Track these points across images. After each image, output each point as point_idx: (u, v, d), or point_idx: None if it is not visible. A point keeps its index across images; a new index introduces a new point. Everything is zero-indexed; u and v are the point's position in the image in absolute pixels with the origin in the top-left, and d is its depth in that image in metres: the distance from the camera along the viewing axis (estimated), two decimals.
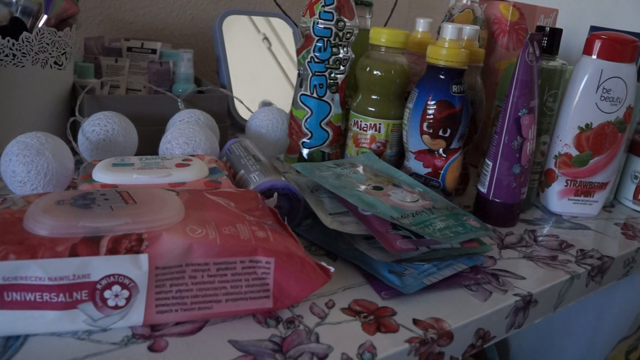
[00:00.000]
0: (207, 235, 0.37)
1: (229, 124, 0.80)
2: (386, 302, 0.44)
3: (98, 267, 0.35)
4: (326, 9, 0.62)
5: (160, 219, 0.37)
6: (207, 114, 0.66)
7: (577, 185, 0.67)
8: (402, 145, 0.64)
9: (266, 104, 0.86)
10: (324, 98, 0.65)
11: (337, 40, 0.63)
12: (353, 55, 0.65)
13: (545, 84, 0.63)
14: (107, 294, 0.35)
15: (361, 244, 0.48)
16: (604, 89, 0.63)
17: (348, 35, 0.63)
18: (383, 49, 0.63)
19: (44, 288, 0.34)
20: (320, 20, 0.62)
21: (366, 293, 0.45)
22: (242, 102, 0.81)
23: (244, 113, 0.87)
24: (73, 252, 0.34)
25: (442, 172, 0.61)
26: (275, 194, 0.49)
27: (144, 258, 0.35)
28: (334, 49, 0.63)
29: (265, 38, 0.92)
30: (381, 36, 0.63)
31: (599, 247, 0.60)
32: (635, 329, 0.84)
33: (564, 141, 0.65)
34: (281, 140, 0.70)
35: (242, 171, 0.54)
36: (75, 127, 0.68)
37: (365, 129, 0.65)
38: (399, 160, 0.66)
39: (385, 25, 1.17)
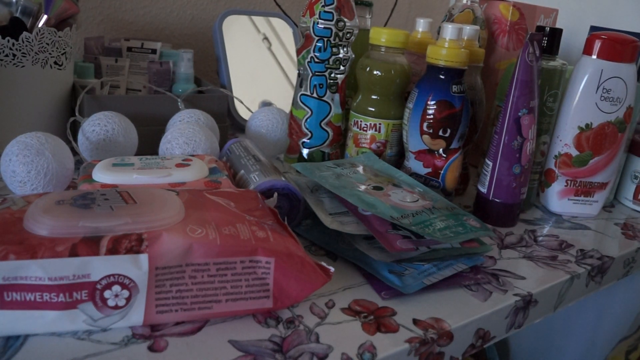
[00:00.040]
0: (207, 235, 0.37)
1: (229, 124, 0.80)
2: (386, 302, 0.44)
3: (98, 267, 0.35)
4: (326, 9, 0.62)
5: (160, 219, 0.37)
6: (207, 114, 0.66)
7: (577, 185, 0.67)
8: (402, 145, 0.64)
9: (266, 104, 0.86)
10: (324, 98, 0.65)
11: (337, 40, 0.63)
12: (353, 55, 0.65)
13: (545, 84, 0.63)
14: (107, 294, 0.35)
15: (361, 244, 0.48)
16: (604, 89, 0.63)
17: (348, 35, 0.63)
18: (383, 49, 0.63)
19: (44, 288, 0.34)
20: (320, 20, 0.62)
21: (366, 293, 0.45)
22: (242, 102, 0.81)
23: (244, 113, 0.87)
24: (73, 252, 0.34)
25: (442, 172, 0.61)
26: (275, 194, 0.49)
27: (144, 258, 0.35)
28: (334, 49, 0.63)
29: (265, 38, 0.92)
30: (381, 36, 0.63)
31: (599, 247, 0.60)
32: (635, 329, 0.84)
33: (564, 141, 0.65)
34: (281, 140, 0.70)
35: (242, 171, 0.54)
36: (75, 127, 0.68)
37: (365, 129, 0.65)
38: (399, 160, 0.66)
39: (385, 25, 1.17)
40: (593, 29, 0.80)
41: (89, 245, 0.35)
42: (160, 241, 0.36)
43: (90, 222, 0.36)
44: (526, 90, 0.57)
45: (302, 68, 0.65)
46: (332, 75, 0.65)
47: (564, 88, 0.66)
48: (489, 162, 0.61)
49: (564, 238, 0.62)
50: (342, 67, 0.65)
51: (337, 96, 0.66)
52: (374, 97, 0.64)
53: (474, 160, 0.81)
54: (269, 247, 0.38)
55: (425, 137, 0.60)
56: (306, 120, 0.66)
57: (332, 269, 0.42)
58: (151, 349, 0.36)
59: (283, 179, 0.52)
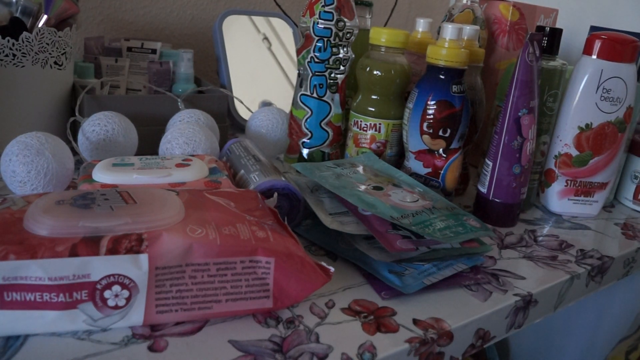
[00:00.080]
0: (207, 235, 0.37)
1: (229, 124, 0.80)
2: (386, 302, 0.44)
3: (98, 267, 0.35)
4: (326, 9, 0.62)
5: (160, 219, 0.37)
6: (207, 114, 0.66)
7: (577, 185, 0.67)
8: (402, 145, 0.64)
9: (266, 104, 0.86)
10: (324, 98, 0.65)
11: (337, 40, 0.63)
12: (353, 55, 0.65)
13: (545, 84, 0.63)
14: (107, 294, 0.35)
15: (361, 244, 0.48)
16: (604, 89, 0.63)
17: (348, 35, 0.63)
18: (383, 49, 0.63)
19: (44, 288, 0.34)
20: (320, 20, 0.62)
21: (366, 293, 0.45)
22: (242, 102, 0.81)
23: (244, 113, 0.87)
24: (73, 252, 0.34)
25: (442, 172, 0.61)
26: (275, 194, 0.49)
27: (144, 258, 0.35)
28: (334, 49, 0.63)
29: (265, 38, 0.92)
30: (381, 36, 0.63)
31: (599, 247, 0.60)
32: (635, 329, 0.84)
33: (564, 141, 0.65)
34: (281, 140, 0.70)
35: (242, 171, 0.54)
36: (75, 127, 0.68)
37: (365, 129, 0.65)
38: (399, 160, 0.66)
39: (385, 25, 1.17)
40: (593, 29, 0.80)
41: (89, 245, 0.35)
42: (160, 241, 0.36)
43: (90, 222, 0.36)
44: (526, 90, 0.57)
45: (302, 68, 0.65)
46: (332, 75, 0.65)
47: (564, 88, 0.66)
48: (489, 162, 0.61)
49: (564, 238, 0.62)
50: (342, 67, 0.65)
51: (337, 96, 0.66)
52: (374, 97, 0.64)
53: (474, 160, 0.81)
54: (269, 247, 0.38)
55: (425, 137, 0.60)
56: (306, 120, 0.66)
57: (332, 269, 0.42)
58: (151, 349, 0.36)
59: (283, 179, 0.52)
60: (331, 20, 0.62)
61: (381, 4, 1.22)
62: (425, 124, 0.60)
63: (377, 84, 0.63)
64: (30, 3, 0.63)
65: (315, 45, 0.63)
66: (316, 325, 0.40)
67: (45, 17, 0.63)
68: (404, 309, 0.44)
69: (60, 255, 0.34)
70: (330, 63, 0.64)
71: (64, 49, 0.65)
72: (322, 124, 0.66)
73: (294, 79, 0.93)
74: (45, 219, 0.36)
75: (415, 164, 0.62)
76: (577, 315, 0.86)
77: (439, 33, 0.65)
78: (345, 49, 0.64)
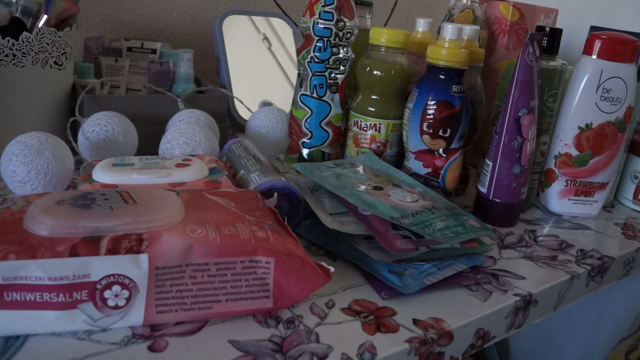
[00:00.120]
0: (207, 235, 0.37)
1: (229, 124, 0.80)
2: (386, 302, 0.44)
3: (98, 267, 0.35)
4: (326, 9, 0.62)
5: (160, 219, 0.37)
6: (207, 114, 0.66)
7: (577, 185, 0.67)
8: (402, 145, 0.64)
9: (266, 104, 0.86)
10: (324, 98, 0.65)
11: (337, 40, 0.63)
12: (353, 55, 0.65)
13: (545, 84, 0.63)
14: (107, 294, 0.35)
15: (361, 244, 0.48)
16: (604, 89, 0.63)
17: (348, 35, 0.63)
18: (383, 49, 0.63)
19: (44, 288, 0.34)
20: (320, 20, 0.62)
21: (366, 293, 0.45)
22: (242, 102, 0.81)
23: (244, 113, 0.87)
24: (73, 252, 0.34)
25: (442, 172, 0.61)
26: (275, 194, 0.49)
27: (144, 258, 0.35)
28: (334, 49, 0.63)
29: (265, 38, 0.92)
30: (381, 36, 0.63)
31: (599, 247, 0.60)
32: (635, 329, 0.84)
33: (564, 141, 0.65)
34: (281, 140, 0.70)
35: (242, 171, 0.54)
36: (75, 127, 0.68)
37: (365, 129, 0.65)
38: (399, 160, 0.66)
39: (385, 25, 1.17)
40: (593, 29, 0.80)
41: (89, 245, 0.35)
42: (160, 241, 0.36)
43: (90, 222, 0.36)
44: (526, 90, 0.57)
45: (302, 68, 0.65)
46: (332, 75, 0.65)
47: (564, 88, 0.66)
48: (489, 162, 0.61)
49: (564, 238, 0.62)
50: (342, 67, 0.65)
51: (337, 96, 0.66)
52: (374, 97, 0.64)
53: (474, 160, 0.81)
54: (269, 247, 0.38)
55: (425, 137, 0.60)
56: (306, 120, 0.66)
57: (332, 269, 0.42)
58: (151, 349, 0.36)
59: (283, 179, 0.52)
60: (331, 20, 0.62)
61: (381, 4, 1.22)
62: (425, 124, 0.60)
63: (377, 84, 0.63)
64: (30, 3, 0.63)
65: (315, 45, 0.63)
66: (316, 325, 0.40)
67: (45, 17, 0.63)
68: (404, 309, 0.44)
69: (60, 255, 0.34)
70: (330, 63, 0.64)
71: (64, 49, 0.65)
72: (322, 124, 0.66)
73: (294, 79, 0.93)
74: (45, 219, 0.36)
75: (415, 164, 0.62)
76: (577, 315, 0.86)
77: (439, 33, 0.65)
78: (345, 49, 0.64)
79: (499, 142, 0.59)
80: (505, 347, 0.99)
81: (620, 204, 0.75)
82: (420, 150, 0.61)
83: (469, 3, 0.74)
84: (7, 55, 0.60)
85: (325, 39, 0.63)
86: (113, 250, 0.35)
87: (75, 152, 0.65)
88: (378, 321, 0.42)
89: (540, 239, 0.61)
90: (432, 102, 0.59)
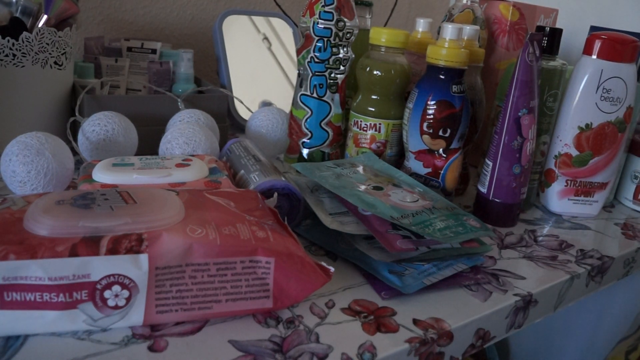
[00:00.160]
0: (207, 235, 0.37)
1: (229, 124, 0.80)
2: (386, 302, 0.44)
3: (98, 267, 0.35)
4: (326, 9, 0.62)
5: (160, 219, 0.37)
6: (207, 114, 0.66)
7: (577, 185, 0.67)
8: (402, 145, 0.64)
9: (266, 104, 0.86)
10: (324, 98, 0.65)
11: (337, 40, 0.63)
12: (353, 55, 0.65)
13: (545, 84, 0.63)
14: (107, 294, 0.35)
15: (361, 244, 0.48)
16: (604, 89, 0.63)
17: (348, 35, 0.63)
18: (383, 49, 0.63)
19: (44, 288, 0.34)
20: (320, 20, 0.62)
21: (366, 293, 0.45)
22: (242, 102, 0.81)
23: (244, 113, 0.87)
24: (73, 252, 0.34)
25: (442, 172, 0.61)
26: (275, 194, 0.49)
27: (144, 258, 0.35)
28: (334, 49, 0.63)
29: (265, 38, 0.92)
30: (381, 36, 0.63)
31: (599, 247, 0.60)
32: (635, 329, 0.84)
33: (564, 141, 0.65)
34: (281, 140, 0.70)
35: (242, 171, 0.54)
36: (75, 127, 0.68)
37: (365, 129, 0.65)
38: (399, 160, 0.66)
39: (385, 25, 1.17)
40: (593, 29, 0.80)
41: (89, 245, 0.35)
42: (160, 241, 0.36)
43: (90, 222, 0.36)
44: (526, 90, 0.57)
45: (302, 68, 0.65)
46: (332, 75, 0.65)
47: (564, 88, 0.66)
48: (489, 162, 0.61)
49: (564, 238, 0.62)
50: (342, 67, 0.65)
51: (337, 96, 0.66)
52: (374, 97, 0.64)
53: (474, 160, 0.81)
54: (269, 247, 0.38)
55: (425, 137, 0.60)
56: (306, 120, 0.66)
57: (332, 269, 0.42)
58: (151, 349, 0.36)
59: (283, 179, 0.52)
60: (331, 20, 0.62)
61: (381, 4, 1.22)
62: (425, 124, 0.60)
63: (377, 84, 0.63)
64: (30, 3, 0.63)
65: (315, 45, 0.63)
66: (316, 325, 0.40)
67: (45, 17, 0.63)
68: (404, 309, 0.44)
69: (60, 255, 0.34)
70: (330, 63, 0.64)
71: (64, 49, 0.65)
72: (322, 124, 0.66)
73: (294, 79, 0.93)
74: (45, 219, 0.36)
75: (415, 164, 0.62)
76: (577, 315, 0.86)
77: (439, 33, 0.65)
78: (345, 49, 0.64)
79: (499, 142, 0.59)
80: (505, 347, 0.99)
81: (620, 204, 0.75)
82: (420, 150, 0.61)
83: (469, 3, 0.74)
84: (7, 55, 0.60)
85: (325, 39, 0.63)
86: (113, 250, 0.35)
87: (75, 152, 0.65)
88: (378, 321, 0.42)
89: (540, 239, 0.61)
90: (432, 102, 0.59)
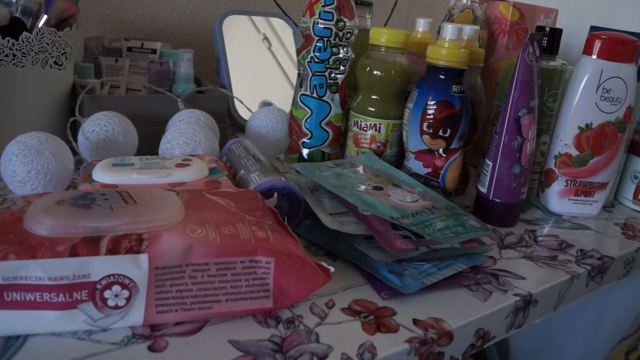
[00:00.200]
0: (207, 235, 0.37)
1: (229, 124, 0.80)
2: (386, 302, 0.44)
3: (98, 267, 0.35)
4: (326, 9, 0.62)
5: (160, 219, 0.37)
6: (207, 114, 0.66)
7: (577, 185, 0.67)
8: (402, 145, 0.64)
9: (266, 104, 0.86)
10: (324, 98, 0.65)
11: (337, 40, 0.63)
12: (353, 55, 0.65)
13: (545, 84, 0.63)
14: (107, 294, 0.35)
15: (361, 244, 0.48)
16: (604, 89, 0.63)
17: (348, 35, 0.63)
18: (383, 49, 0.63)
19: (44, 288, 0.34)
20: (320, 20, 0.62)
21: (366, 293, 0.45)
22: (242, 102, 0.81)
23: (244, 113, 0.87)
24: (73, 252, 0.34)
25: (442, 172, 0.61)
26: (275, 194, 0.49)
27: (144, 258, 0.35)
28: (334, 49, 0.63)
29: (265, 38, 0.92)
30: (381, 36, 0.63)
31: (599, 247, 0.60)
32: (635, 329, 0.84)
33: (564, 141, 0.65)
34: (281, 140, 0.70)
35: (242, 171, 0.54)
36: (75, 127, 0.68)
37: (365, 129, 0.65)
38: (399, 160, 0.66)
39: (385, 25, 1.17)
40: (593, 29, 0.80)
41: (89, 245, 0.35)
42: (160, 241, 0.36)
43: (90, 222, 0.36)
44: (526, 90, 0.57)
45: (302, 68, 0.65)
46: (332, 75, 0.65)
47: (564, 88, 0.66)
48: (489, 162, 0.61)
49: (564, 238, 0.62)
50: (342, 67, 0.65)
51: (337, 96, 0.66)
52: (374, 97, 0.64)
53: (474, 160, 0.81)
54: (269, 247, 0.38)
55: (425, 137, 0.60)
56: (306, 120, 0.66)
57: (332, 269, 0.42)
58: (151, 349, 0.36)
59: (283, 179, 0.52)
60: (331, 20, 0.62)
61: (381, 4, 1.22)
62: (425, 124, 0.60)
63: (377, 84, 0.63)
64: (30, 3, 0.63)
65: (315, 45, 0.63)
66: (316, 325, 0.40)
67: (45, 17, 0.63)
68: (404, 309, 0.44)
69: (60, 255, 0.34)
70: (330, 63, 0.64)
71: (64, 49, 0.65)
72: (322, 124, 0.66)
73: (294, 79, 0.93)
74: (45, 219, 0.36)
75: (415, 164, 0.62)
76: (577, 315, 0.86)
77: (439, 33, 0.65)
78: (345, 49, 0.64)
79: (499, 142, 0.59)
80: (505, 347, 0.99)
81: (620, 204, 0.75)
82: (420, 150, 0.61)
83: (469, 3, 0.74)
84: (7, 55, 0.60)
85: (325, 39, 0.63)
86: (113, 250, 0.35)
87: (75, 152, 0.65)
88: (378, 321, 0.42)
89: (540, 239, 0.61)
90: (432, 102, 0.59)
